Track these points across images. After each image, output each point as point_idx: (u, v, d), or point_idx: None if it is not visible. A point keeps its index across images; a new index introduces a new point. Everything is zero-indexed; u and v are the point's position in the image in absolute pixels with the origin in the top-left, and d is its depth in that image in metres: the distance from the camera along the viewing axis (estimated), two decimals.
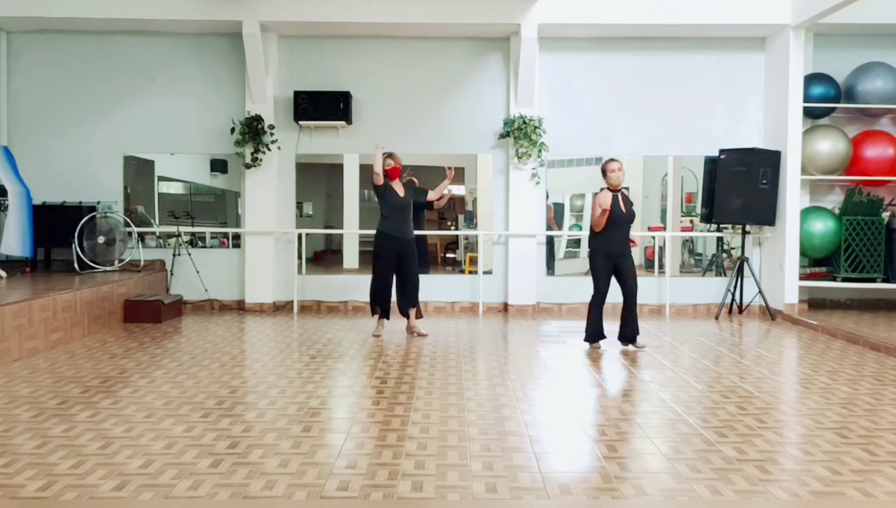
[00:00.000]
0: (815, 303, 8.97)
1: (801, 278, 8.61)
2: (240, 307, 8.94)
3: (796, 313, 8.30)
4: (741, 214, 8.47)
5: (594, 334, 6.36)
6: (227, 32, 8.78)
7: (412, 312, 6.98)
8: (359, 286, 9.07)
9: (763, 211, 8.45)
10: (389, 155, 6.77)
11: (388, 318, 6.96)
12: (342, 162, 9.41)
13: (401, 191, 6.79)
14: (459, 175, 9.81)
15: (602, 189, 6.27)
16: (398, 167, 6.78)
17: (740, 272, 8.68)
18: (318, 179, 10.40)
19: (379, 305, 6.87)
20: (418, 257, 6.94)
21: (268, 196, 8.85)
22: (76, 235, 8.20)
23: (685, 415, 4.31)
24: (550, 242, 9.27)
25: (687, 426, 4.09)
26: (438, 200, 8.45)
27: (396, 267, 6.81)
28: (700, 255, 9.94)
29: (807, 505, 3.03)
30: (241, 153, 8.78)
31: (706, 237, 9.54)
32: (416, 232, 9.16)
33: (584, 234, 9.66)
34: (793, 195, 8.41)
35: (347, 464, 3.40)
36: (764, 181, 8.37)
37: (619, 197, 6.21)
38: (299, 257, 8.98)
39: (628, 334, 6.34)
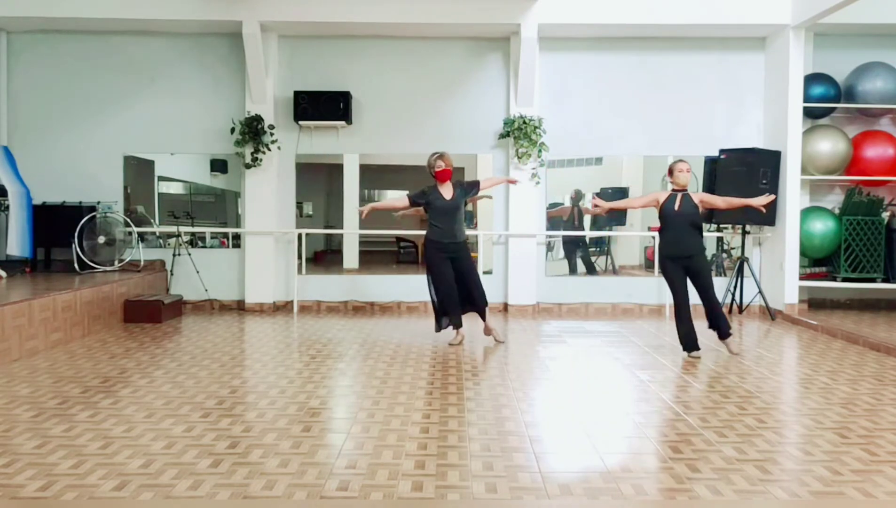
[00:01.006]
0: (815, 303, 8.97)
1: (801, 278, 8.62)
2: (240, 307, 8.94)
3: (796, 313, 8.30)
4: (741, 214, 8.46)
5: (688, 343, 6.05)
6: (227, 32, 8.79)
7: (484, 314, 6.59)
8: (359, 287, 9.08)
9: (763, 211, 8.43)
10: (440, 156, 6.34)
11: (461, 325, 6.50)
12: (342, 162, 9.40)
13: (448, 194, 6.33)
14: (457, 175, 9.78)
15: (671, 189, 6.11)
16: (449, 169, 6.32)
17: (740, 272, 8.68)
18: (318, 179, 10.39)
19: (449, 315, 6.42)
20: (466, 259, 6.53)
21: (268, 196, 8.85)
22: (76, 235, 8.21)
23: (685, 415, 4.31)
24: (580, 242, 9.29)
25: (687, 426, 4.09)
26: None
27: (455, 272, 6.39)
28: None
29: (807, 505, 3.03)
30: (241, 153, 8.78)
31: (706, 237, 9.52)
32: (414, 232, 9.21)
33: (583, 234, 9.66)
34: (793, 195, 8.41)
35: (347, 464, 3.40)
36: (764, 181, 8.36)
37: (679, 196, 5.98)
38: (299, 257, 8.99)
39: (722, 330, 6.12)
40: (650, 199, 6.14)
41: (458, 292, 6.44)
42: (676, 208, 5.97)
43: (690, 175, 6.04)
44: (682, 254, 5.98)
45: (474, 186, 6.56)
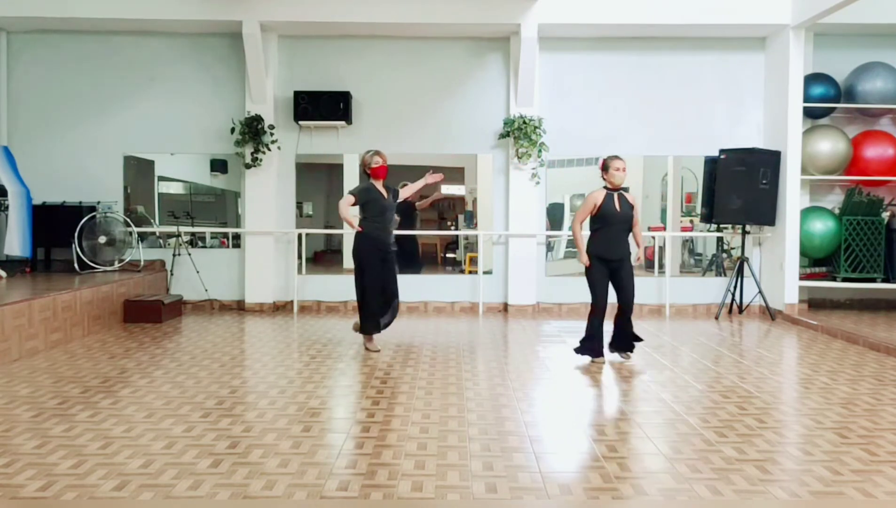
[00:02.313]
0: (815, 303, 8.97)
1: (801, 278, 8.61)
2: (240, 307, 8.94)
3: (796, 313, 8.30)
4: (741, 214, 8.47)
5: (591, 349, 5.82)
6: (227, 32, 8.78)
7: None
8: None
9: (763, 211, 8.44)
10: (377, 152, 6.17)
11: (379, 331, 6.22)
12: (342, 162, 9.40)
13: (384, 192, 6.17)
14: (459, 175, 9.84)
15: (603, 188, 5.81)
16: (385, 166, 6.16)
17: (740, 272, 8.68)
18: (318, 179, 10.38)
19: (379, 319, 6.11)
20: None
21: (268, 196, 8.85)
22: (76, 235, 8.20)
23: (685, 415, 4.30)
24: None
25: (687, 426, 4.09)
26: (421, 201, 8.26)
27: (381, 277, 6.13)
28: (700, 255, 9.94)
29: (807, 505, 3.03)
30: (241, 153, 8.78)
31: (706, 237, 9.54)
32: (411, 232, 9.22)
33: (584, 234, 9.65)
34: (793, 195, 8.41)
35: (347, 464, 3.40)
36: (764, 181, 8.37)
37: (616, 196, 5.72)
38: (299, 257, 8.98)
39: (621, 345, 5.89)
40: (589, 206, 5.73)
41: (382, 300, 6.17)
42: (618, 208, 5.69)
43: (626, 173, 5.78)
44: (614, 257, 5.71)
45: (398, 193, 6.34)
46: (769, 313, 8.49)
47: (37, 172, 8.67)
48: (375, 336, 6.27)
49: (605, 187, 5.82)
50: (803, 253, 8.63)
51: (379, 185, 6.19)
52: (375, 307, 6.10)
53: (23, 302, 5.87)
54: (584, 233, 5.87)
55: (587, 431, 4.01)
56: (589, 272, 5.78)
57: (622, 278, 5.73)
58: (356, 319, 6.32)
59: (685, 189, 9.59)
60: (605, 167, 5.82)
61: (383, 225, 6.13)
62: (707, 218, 8.77)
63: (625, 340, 5.92)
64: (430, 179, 6.47)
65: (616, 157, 5.83)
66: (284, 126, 8.91)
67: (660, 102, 9.02)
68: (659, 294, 8.98)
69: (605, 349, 5.91)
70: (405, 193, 6.50)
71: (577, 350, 5.92)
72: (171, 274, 8.82)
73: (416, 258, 9.46)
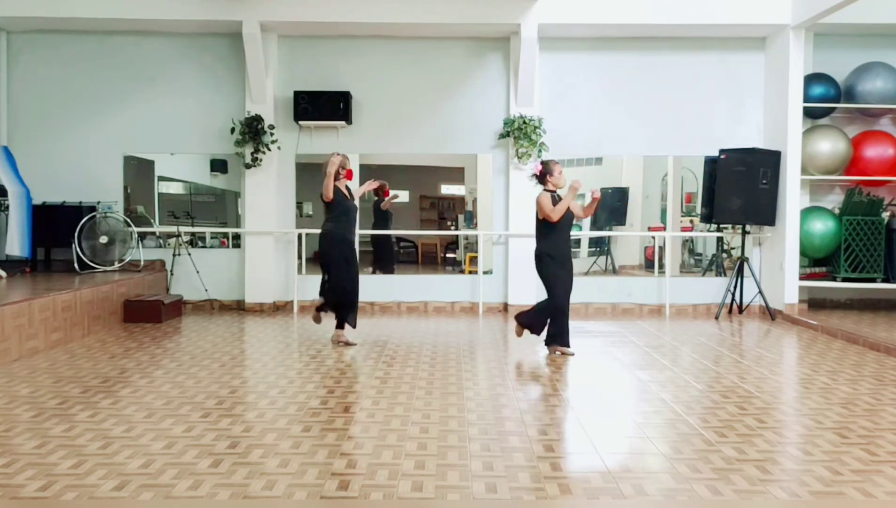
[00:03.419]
0: (815, 303, 8.96)
1: (801, 278, 8.61)
2: (240, 307, 8.94)
3: (796, 313, 8.30)
4: (741, 214, 8.47)
5: (565, 340, 6.06)
6: (227, 32, 8.78)
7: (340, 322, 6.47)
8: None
9: (763, 211, 8.44)
10: (345, 157, 6.42)
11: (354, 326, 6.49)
12: None
13: (348, 194, 6.44)
14: (457, 175, 9.85)
15: (545, 191, 5.96)
16: (350, 169, 6.44)
17: (740, 272, 8.68)
18: (319, 179, 10.35)
19: (353, 309, 6.40)
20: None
21: (268, 196, 8.85)
22: (76, 235, 8.21)
23: (685, 415, 4.31)
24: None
25: (687, 426, 4.09)
26: (384, 202, 8.80)
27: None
28: (700, 255, 9.95)
29: (807, 505, 3.03)
30: (241, 153, 8.77)
31: (706, 237, 9.54)
32: (388, 232, 9.35)
33: (584, 234, 9.66)
34: (793, 195, 8.41)
35: (347, 464, 3.40)
36: (764, 181, 8.37)
37: (558, 197, 5.95)
38: (299, 257, 8.98)
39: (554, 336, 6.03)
40: (550, 202, 5.89)
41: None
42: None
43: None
44: (568, 257, 6.02)
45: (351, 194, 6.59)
46: (769, 313, 8.49)
47: (37, 172, 8.67)
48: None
49: (546, 190, 5.97)
50: (803, 253, 8.63)
51: (343, 189, 6.46)
52: (356, 300, 6.49)
53: (23, 302, 5.87)
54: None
55: (587, 431, 4.01)
56: (551, 271, 5.92)
57: (572, 278, 6.03)
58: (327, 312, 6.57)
59: (685, 189, 9.60)
60: (547, 172, 5.95)
61: (348, 225, 6.39)
62: (707, 218, 8.77)
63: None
64: (369, 186, 6.93)
65: (553, 161, 6.09)
66: (284, 126, 8.91)
67: (660, 102, 9.01)
68: (659, 294, 8.98)
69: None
70: (356, 192, 6.82)
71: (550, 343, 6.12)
72: (171, 274, 8.82)
73: (389, 259, 9.61)
